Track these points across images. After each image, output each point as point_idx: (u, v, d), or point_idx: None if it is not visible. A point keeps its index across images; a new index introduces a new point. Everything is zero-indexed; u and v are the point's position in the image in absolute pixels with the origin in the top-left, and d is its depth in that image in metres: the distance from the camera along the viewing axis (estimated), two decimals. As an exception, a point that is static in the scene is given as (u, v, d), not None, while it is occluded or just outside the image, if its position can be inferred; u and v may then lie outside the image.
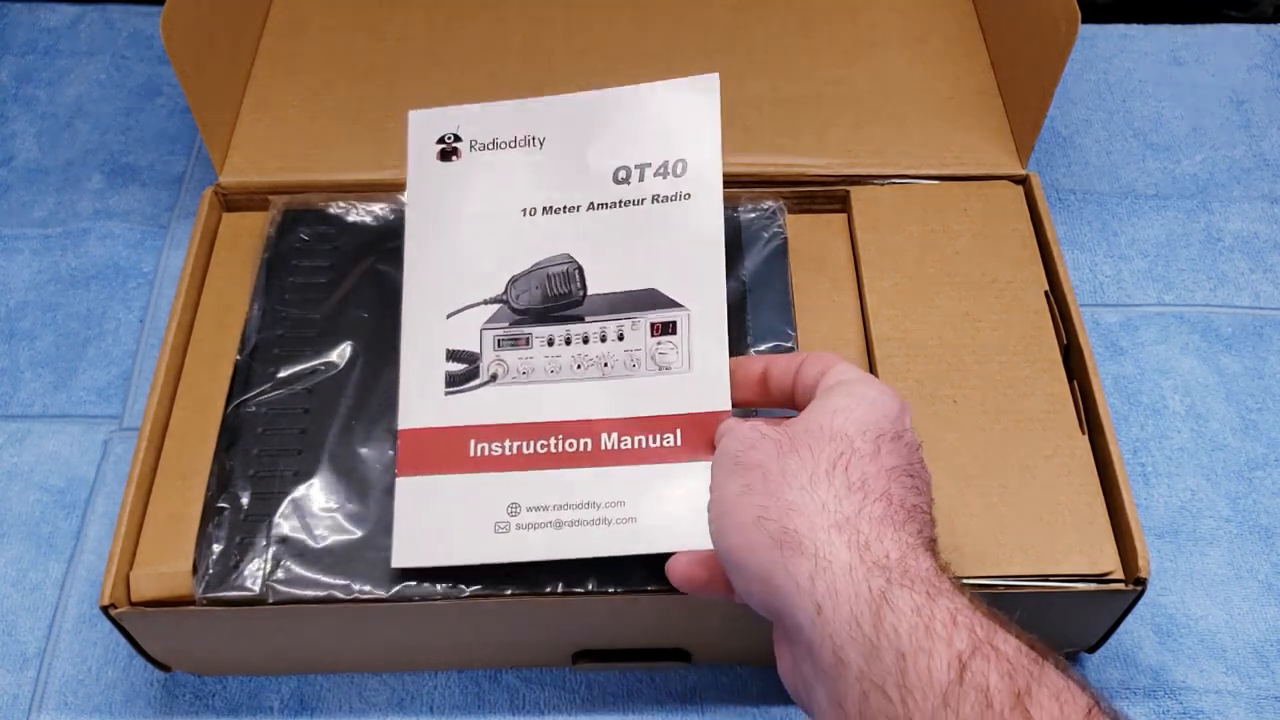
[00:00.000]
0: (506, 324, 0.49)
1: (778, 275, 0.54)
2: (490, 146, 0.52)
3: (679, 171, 0.49)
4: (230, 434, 0.49)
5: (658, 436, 0.46)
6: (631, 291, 0.48)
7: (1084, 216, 0.68)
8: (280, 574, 0.45)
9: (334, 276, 0.54)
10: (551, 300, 0.49)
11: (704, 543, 0.39)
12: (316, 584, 0.45)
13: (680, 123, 0.50)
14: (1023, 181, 0.58)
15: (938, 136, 0.60)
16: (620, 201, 0.50)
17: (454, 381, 0.48)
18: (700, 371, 0.46)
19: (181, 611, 0.45)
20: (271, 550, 0.46)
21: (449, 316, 0.49)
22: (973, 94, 0.62)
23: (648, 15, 0.66)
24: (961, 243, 0.56)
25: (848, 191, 0.58)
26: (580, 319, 0.48)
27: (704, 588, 0.41)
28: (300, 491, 0.47)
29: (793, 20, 0.65)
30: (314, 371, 0.51)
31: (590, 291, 0.49)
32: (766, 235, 0.55)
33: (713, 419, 0.45)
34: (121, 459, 0.59)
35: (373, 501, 0.47)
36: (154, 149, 0.71)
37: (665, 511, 0.45)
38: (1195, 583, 0.55)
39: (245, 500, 0.47)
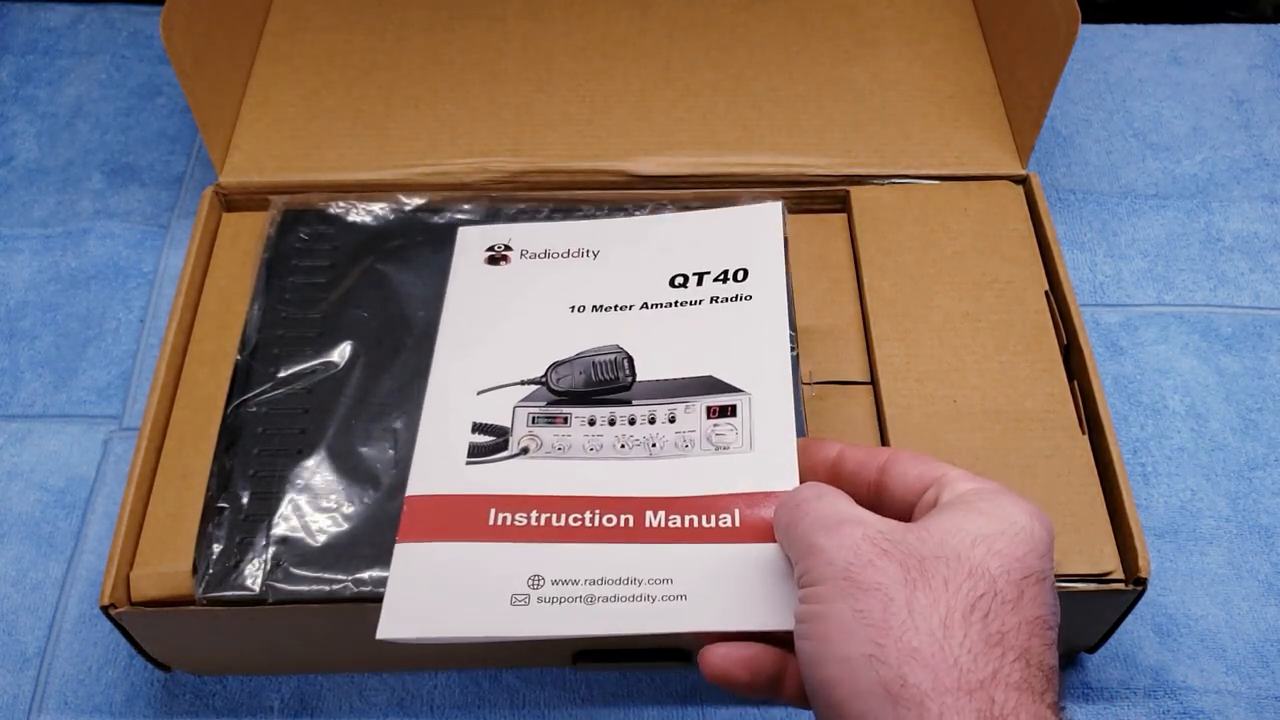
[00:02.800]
0: (544, 403, 0.45)
1: (778, 276, 0.54)
2: (542, 255, 0.50)
3: (739, 278, 0.47)
4: (230, 434, 0.49)
5: (712, 517, 0.40)
6: (685, 378, 0.44)
7: (1084, 216, 0.68)
8: (280, 574, 0.45)
9: (334, 276, 0.54)
10: (595, 385, 0.44)
11: (765, 625, 0.36)
12: (316, 583, 0.45)
13: (742, 239, 0.48)
14: (1023, 181, 0.58)
15: (938, 136, 0.60)
16: (676, 302, 0.47)
17: (478, 452, 0.43)
18: (762, 451, 0.41)
19: (181, 611, 0.45)
20: (271, 550, 0.46)
21: (479, 393, 0.45)
22: (973, 94, 0.62)
23: (648, 15, 0.66)
24: (961, 243, 0.56)
25: (848, 191, 0.58)
26: (627, 402, 0.44)
27: (743, 690, 0.36)
28: (300, 491, 0.47)
29: (793, 20, 0.65)
30: (314, 371, 0.51)
31: (640, 378, 0.45)
32: (766, 235, 0.55)
33: (776, 500, 0.39)
34: (121, 459, 0.59)
35: (373, 501, 0.47)
36: (154, 149, 0.71)
37: (723, 592, 0.38)
38: (1195, 582, 0.55)
39: (245, 500, 0.47)
